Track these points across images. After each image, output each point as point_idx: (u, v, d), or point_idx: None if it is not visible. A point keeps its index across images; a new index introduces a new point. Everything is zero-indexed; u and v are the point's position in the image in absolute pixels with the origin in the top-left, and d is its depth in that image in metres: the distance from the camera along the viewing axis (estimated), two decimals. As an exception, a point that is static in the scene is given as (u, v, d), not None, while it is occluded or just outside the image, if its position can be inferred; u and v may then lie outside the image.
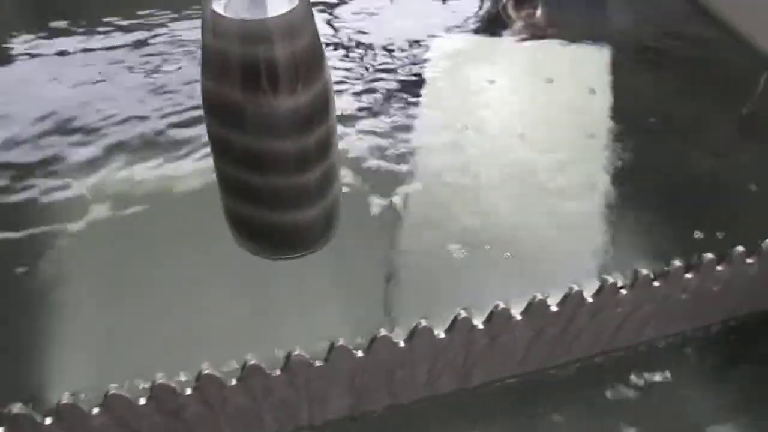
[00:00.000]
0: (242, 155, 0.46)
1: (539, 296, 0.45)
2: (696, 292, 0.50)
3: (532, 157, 0.69)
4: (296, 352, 0.42)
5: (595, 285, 0.47)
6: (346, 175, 0.65)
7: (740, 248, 0.49)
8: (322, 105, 0.46)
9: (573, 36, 0.86)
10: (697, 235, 0.60)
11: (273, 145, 0.45)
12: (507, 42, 0.85)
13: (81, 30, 0.85)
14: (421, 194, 0.64)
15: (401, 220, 0.62)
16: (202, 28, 0.41)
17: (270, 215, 0.49)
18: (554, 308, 0.46)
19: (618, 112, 0.75)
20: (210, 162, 0.49)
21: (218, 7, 0.39)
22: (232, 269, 0.55)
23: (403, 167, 0.67)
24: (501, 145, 0.70)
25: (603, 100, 0.77)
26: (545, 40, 0.85)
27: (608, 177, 0.67)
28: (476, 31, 0.86)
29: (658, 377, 0.51)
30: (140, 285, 0.56)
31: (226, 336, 0.52)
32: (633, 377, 0.51)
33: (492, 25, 0.87)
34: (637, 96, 0.77)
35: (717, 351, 0.53)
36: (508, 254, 0.58)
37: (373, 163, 0.67)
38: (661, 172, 0.67)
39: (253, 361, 0.41)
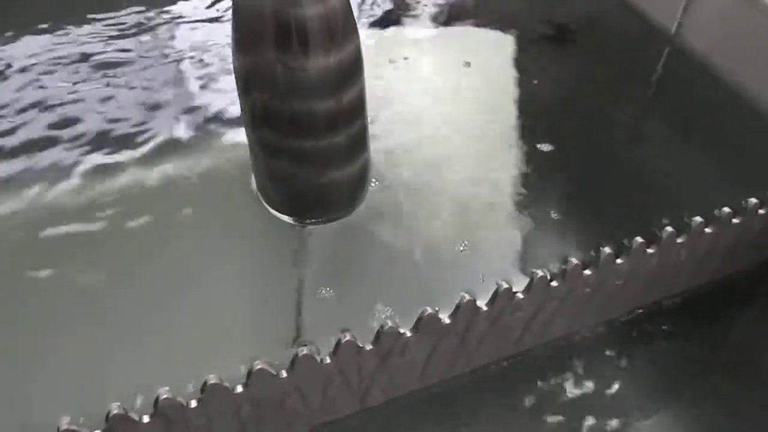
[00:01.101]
0: (275, 117, 0.47)
1: (429, 310, 0.43)
2: (598, 287, 0.48)
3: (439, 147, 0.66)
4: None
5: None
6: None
7: (639, 239, 0.47)
8: (355, 65, 0.47)
9: (477, 19, 0.83)
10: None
11: (306, 106, 0.46)
12: (414, 30, 0.82)
13: None
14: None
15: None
16: None
17: (303, 175, 0.52)
18: (447, 320, 0.44)
19: (523, 94, 0.73)
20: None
21: None
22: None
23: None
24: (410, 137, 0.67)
25: (505, 81, 0.75)
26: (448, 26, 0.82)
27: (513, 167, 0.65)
28: (372, 25, 0.82)
29: (569, 374, 0.49)
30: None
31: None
32: (547, 376, 0.49)
33: (389, 15, 0.83)
34: (542, 77, 0.75)
35: (628, 341, 0.52)
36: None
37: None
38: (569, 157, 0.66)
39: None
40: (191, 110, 0.69)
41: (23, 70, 0.73)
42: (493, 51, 0.78)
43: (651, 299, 0.53)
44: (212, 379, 0.39)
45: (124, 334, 0.50)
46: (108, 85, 0.72)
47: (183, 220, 0.58)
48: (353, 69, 0.47)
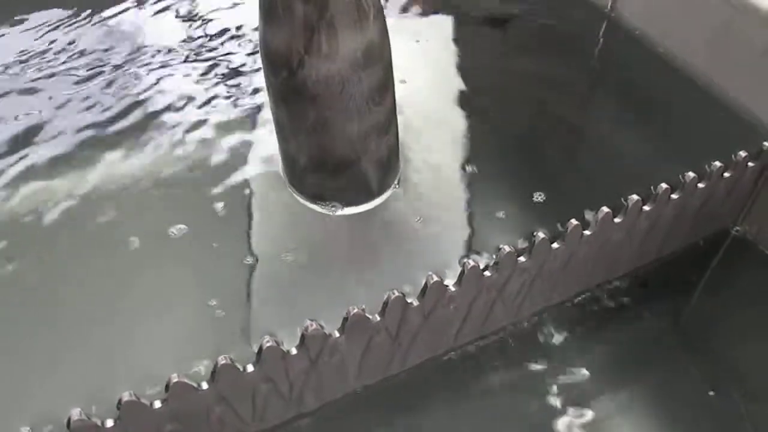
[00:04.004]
0: (303, 98, 0.47)
1: (355, 309, 0.41)
2: (535, 274, 0.47)
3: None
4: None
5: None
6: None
7: (574, 222, 0.46)
8: (382, 45, 0.47)
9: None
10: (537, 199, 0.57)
11: (333, 85, 0.46)
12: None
13: None
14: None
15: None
16: None
17: (335, 158, 0.52)
18: (376, 318, 0.42)
19: (464, 73, 0.71)
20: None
21: None
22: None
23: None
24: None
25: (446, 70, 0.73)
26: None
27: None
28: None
29: (523, 361, 0.48)
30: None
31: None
32: (494, 367, 0.48)
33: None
34: (482, 56, 0.74)
35: (575, 327, 0.50)
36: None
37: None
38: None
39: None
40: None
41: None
42: (435, 31, 0.77)
43: (595, 282, 0.51)
44: (127, 396, 0.37)
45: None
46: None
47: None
48: (380, 48, 0.48)
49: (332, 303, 0.49)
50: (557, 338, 0.49)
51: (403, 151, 0.60)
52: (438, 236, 0.55)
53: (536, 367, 0.48)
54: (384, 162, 0.55)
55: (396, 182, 0.58)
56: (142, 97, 0.69)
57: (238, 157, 0.62)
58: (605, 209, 0.46)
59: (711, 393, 0.46)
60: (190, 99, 0.69)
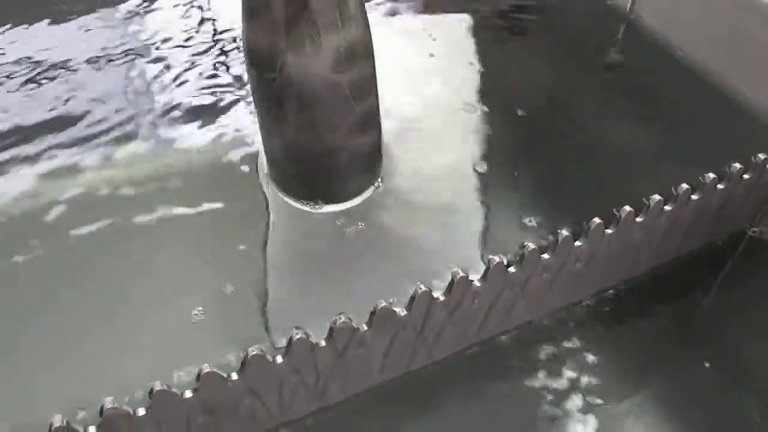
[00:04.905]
0: (288, 96, 0.48)
1: (383, 303, 0.42)
2: (557, 272, 0.47)
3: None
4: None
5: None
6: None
7: (597, 220, 0.47)
8: (365, 44, 0.48)
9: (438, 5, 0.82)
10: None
11: (316, 82, 0.47)
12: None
13: None
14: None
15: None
16: None
17: (318, 155, 0.52)
18: (402, 313, 0.43)
19: (483, 77, 0.72)
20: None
21: None
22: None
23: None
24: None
25: (471, 70, 0.73)
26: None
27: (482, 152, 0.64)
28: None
29: (540, 358, 0.48)
30: None
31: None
32: (513, 363, 0.48)
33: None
34: (501, 60, 0.74)
35: (594, 324, 0.51)
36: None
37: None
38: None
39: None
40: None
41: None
42: (454, 35, 0.77)
43: (615, 280, 0.52)
44: (159, 386, 0.38)
45: (64, 343, 0.49)
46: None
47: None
48: (363, 45, 0.48)
49: (307, 299, 0.51)
50: (576, 334, 0.50)
51: (405, 150, 0.61)
52: (421, 236, 0.56)
53: (554, 363, 0.48)
54: (366, 159, 0.55)
55: (380, 180, 0.58)
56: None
57: (222, 149, 0.63)
58: (627, 208, 0.47)
59: (726, 391, 0.47)
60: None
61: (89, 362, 0.47)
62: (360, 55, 0.48)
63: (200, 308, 0.50)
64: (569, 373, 0.48)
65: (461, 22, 0.79)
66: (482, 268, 0.44)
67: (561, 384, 0.47)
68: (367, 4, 0.77)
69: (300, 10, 0.44)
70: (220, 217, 0.57)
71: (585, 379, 0.47)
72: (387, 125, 0.61)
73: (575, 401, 0.46)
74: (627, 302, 0.52)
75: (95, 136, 0.65)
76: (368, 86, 0.51)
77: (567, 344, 0.49)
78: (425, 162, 0.62)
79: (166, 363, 0.46)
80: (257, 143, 0.60)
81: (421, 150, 0.63)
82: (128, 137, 0.65)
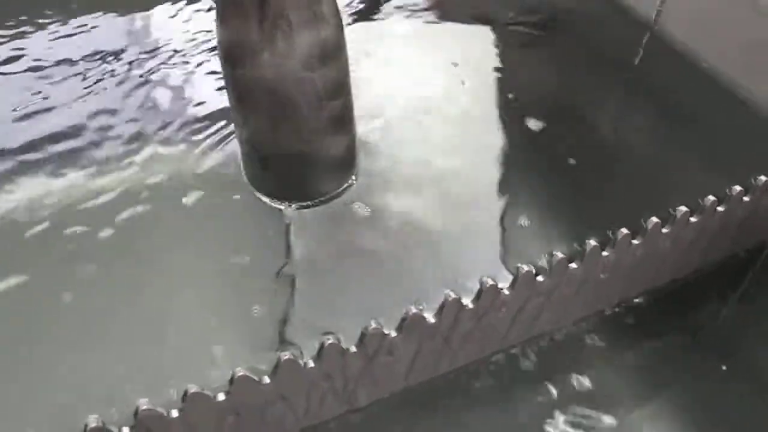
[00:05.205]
0: (260, 93, 0.48)
1: (413, 309, 0.42)
2: (583, 280, 0.48)
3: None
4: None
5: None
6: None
7: (624, 230, 0.47)
8: (337, 44, 0.48)
9: (459, 14, 0.82)
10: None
11: (288, 81, 0.47)
12: (394, 25, 0.81)
13: None
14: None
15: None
16: None
17: (290, 153, 0.52)
18: (432, 320, 0.43)
19: (506, 86, 0.72)
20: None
21: None
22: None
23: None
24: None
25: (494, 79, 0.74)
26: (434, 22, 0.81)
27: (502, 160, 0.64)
28: (355, 19, 0.81)
29: (563, 366, 0.49)
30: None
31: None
32: (535, 371, 0.49)
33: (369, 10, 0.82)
34: (524, 69, 0.74)
35: (616, 333, 0.51)
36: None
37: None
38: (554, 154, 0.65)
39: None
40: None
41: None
42: (477, 45, 0.77)
43: (637, 290, 0.52)
44: (193, 388, 0.38)
45: (95, 343, 0.49)
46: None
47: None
48: (335, 44, 0.48)
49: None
50: (597, 344, 0.50)
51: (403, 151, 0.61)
52: (397, 235, 0.56)
53: (575, 370, 0.49)
54: (339, 159, 0.56)
55: (354, 178, 0.59)
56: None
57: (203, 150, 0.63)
58: (654, 219, 0.47)
59: (744, 401, 0.47)
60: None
61: (122, 363, 0.47)
62: (332, 54, 0.49)
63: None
64: (589, 381, 0.48)
65: (482, 33, 0.79)
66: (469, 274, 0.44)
67: (582, 391, 0.47)
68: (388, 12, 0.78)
69: (272, 6, 0.44)
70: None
71: (604, 387, 0.48)
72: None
73: (596, 408, 0.46)
74: (648, 312, 0.52)
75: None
76: (341, 86, 0.51)
77: (588, 352, 0.50)
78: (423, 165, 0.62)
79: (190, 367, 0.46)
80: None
81: (424, 152, 0.64)
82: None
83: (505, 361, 0.49)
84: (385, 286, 0.53)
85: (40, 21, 0.79)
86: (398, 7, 0.82)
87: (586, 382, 0.48)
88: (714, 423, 0.46)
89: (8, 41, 0.76)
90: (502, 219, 0.58)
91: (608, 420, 0.46)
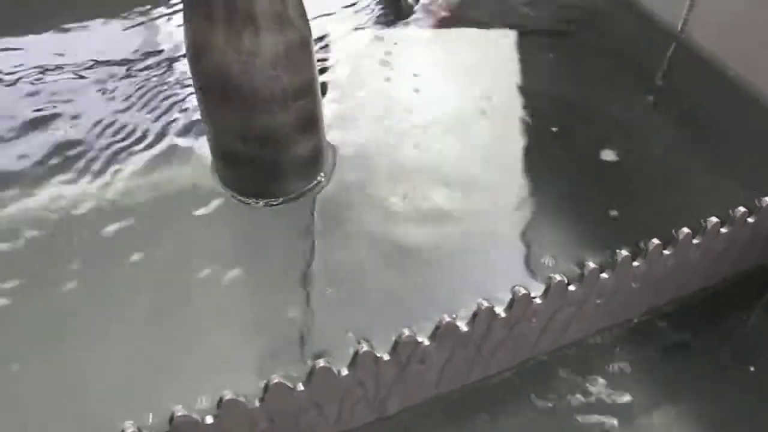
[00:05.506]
0: (228, 94, 0.49)
1: (447, 318, 0.42)
2: (614, 290, 0.48)
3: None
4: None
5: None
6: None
7: (656, 241, 0.47)
8: (304, 43, 0.49)
9: (477, 20, 0.82)
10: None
11: (253, 83, 0.48)
12: (411, 31, 0.81)
13: None
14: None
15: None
16: None
17: (257, 152, 0.53)
18: (464, 328, 0.43)
19: (527, 95, 0.72)
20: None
21: None
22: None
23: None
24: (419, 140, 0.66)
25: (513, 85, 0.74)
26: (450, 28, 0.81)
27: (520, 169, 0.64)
28: (377, 24, 0.81)
29: (592, 375, 0.49)
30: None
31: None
32: (563, 379, 0.49)
33: (391, 14, 0.82)
34: (548, 77, 0.74)
35: (644, 342, 0.51)
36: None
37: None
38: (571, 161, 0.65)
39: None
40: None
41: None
42: (497, 50, 0.77)
43: (665, 300, 0.52)
44: (228, 395, 0.38)
45: (124, 350, 0.49)
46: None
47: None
48: (302, 45, 0.49)
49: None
50: (624, 352, 0.50)
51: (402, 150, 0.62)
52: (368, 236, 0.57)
53: (603, 378, 0.49)
54: (308, 157, 0.56)
55: (322, 177, 0.59)
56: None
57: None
58: (686, 230, 0.47)
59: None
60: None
61: (157, 370, 0.48)
62: (299, 55, 0.49)
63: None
64: (616, 389, 0.48)
65: (506, 38, 0.79)
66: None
67: (608, 399, 0.47)
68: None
69: (239, 10, 0.45)
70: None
71: (630, 395, 0.48)
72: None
73: (622, 416, 0.46)
74: (675, 321, 0.52)
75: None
76: (307, 88, 0.52)
77: (616, 361, 0.50)
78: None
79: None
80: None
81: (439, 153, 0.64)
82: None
83: (533, 369, 0.49)
84: (412, 296, 0.53)
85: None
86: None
87: (614, 390, 0.48)
88: (741, 429, 0.46)
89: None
90: (530, 228, 0.58)
91: (633, 425, 0.46)
